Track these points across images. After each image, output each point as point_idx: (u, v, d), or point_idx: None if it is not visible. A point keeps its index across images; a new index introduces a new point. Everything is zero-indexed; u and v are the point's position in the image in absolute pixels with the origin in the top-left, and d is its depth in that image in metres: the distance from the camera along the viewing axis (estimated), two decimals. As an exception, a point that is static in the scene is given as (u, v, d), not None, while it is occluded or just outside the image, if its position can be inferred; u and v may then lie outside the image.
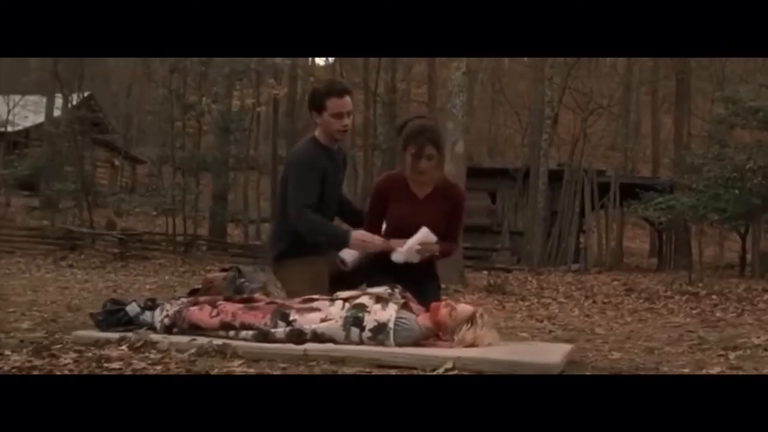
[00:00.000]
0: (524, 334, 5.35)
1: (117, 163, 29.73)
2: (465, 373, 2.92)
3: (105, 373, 2.73)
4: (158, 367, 2.82)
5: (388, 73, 22.67)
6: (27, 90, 25.65)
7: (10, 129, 24.35)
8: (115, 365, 2.85)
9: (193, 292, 4.20)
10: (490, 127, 36.03)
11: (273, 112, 26.15)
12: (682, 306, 9.36)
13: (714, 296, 10.43)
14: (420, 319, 3.49)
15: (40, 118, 24.91)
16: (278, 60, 23.59)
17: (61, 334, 3.85)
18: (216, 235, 19.77)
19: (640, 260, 23.38)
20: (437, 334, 3.46)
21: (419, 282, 3.87)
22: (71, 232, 17.58)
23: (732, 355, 4.10)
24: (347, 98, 4.07)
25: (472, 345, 3.30)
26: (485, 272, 14.97)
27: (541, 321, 6.85)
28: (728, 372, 3.47)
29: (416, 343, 3.38)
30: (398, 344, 3.32)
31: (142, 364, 2.86)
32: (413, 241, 3.76)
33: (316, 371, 2.88)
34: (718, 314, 8.17)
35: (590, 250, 19.12)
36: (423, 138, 3.77)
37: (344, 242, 3.91)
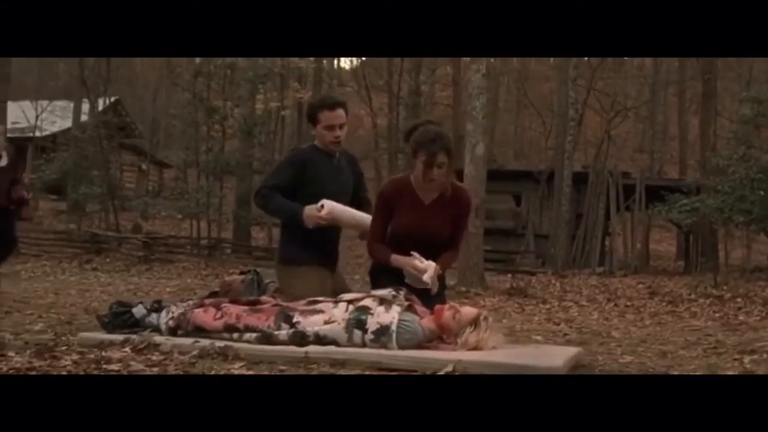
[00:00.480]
0: (538, 337, 5.29)
1: (144, 167, 29.99)
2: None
3: (102, 374, 2.72)
4: (155, 369, 2.82)
5: (412, 75, 22.61)
6: (55, 95, 25.95)
7: (38, 134, 24.66)
8: (114, 367, 2.85)
9: (213, 295, 4.22)
10: (516, 130, 35.87)
11: (297, 116, 26.25)
12: (705, 309, 9.21)
13: (739, 299, 10.25)
14: (424, 321, 3.46)
15: (68, 123, 25.18)
16: (302, 63, 23.69)
17: (69, 336, 3.86)
18: (240, 238, 19.82)
19: (667, 263, 23.11)
20: (441, 336, 3.42)
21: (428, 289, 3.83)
22: (96, 236, 17.73)
23: (747, 359, 4.02)
24: (338, 111, 4.18)
25: (476, 348, 3.27)
26: (509, 275, 14.91)
27: (558, 324, 6.78)
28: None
29: (419, 346, 3.35)
30: (401, 347, 3.30)
31: (140, 366, 2.85)
32: (428, 277, 3.66)
33: (314, 374, 2.86)
34: (741, 318, 8.03)
35: (616, 253, 18.93)
36: (435, 146, 3.67)
37: (295, 216, 4.10)
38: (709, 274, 14.61)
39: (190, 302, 3.85)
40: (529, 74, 33.38)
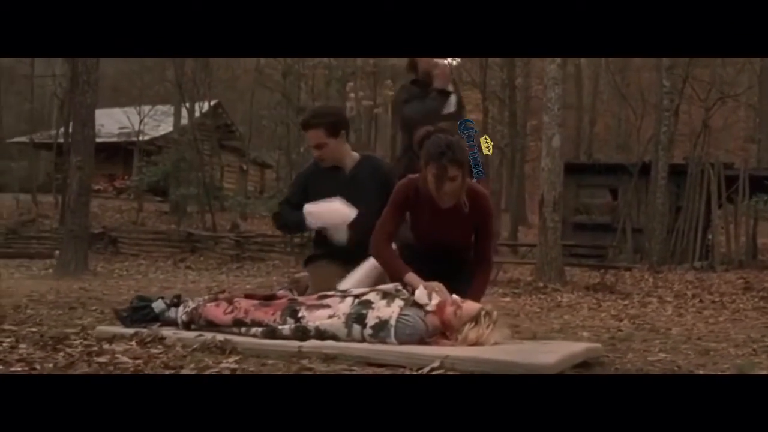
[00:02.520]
0: (585, 333, 5.09)
1: (245, 167, 30.67)
2: (451, 372, 2.79)
3: (82, 368, 2.76)
4: (138, 361, 2.84)
5: (504, 69, 22.25)
6: (160, 101, 26.93)
7: (142, 138, 25.64)
8: (102, 359, 2.90)
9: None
10: (620, 123, 34.81)
11: (391, 113, 26.34)
12: (800, 306, 8.68)
13: (839, 295, 9.62)
14: (429, 317, 3.36)
15: (171, 127, 26.06)
16: (394, 61, 23.70)
17: (91, 329, 3.95)
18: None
19: (777, 257, 21.93)
20: (444, 332, 3.32)
21: (456, 278, 3.69)
22: (192, 235, 18.25)
23: (796, 358, 3.75)
24: (310, 132, 4.11)
25: (476, 344, 3.15)
26: (603, 270, 14.48)
27: (622, 320, 6.50)
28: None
29: (421, 341, 3.25)
30: (401, 342, 3.21)
31: (126, 359, 2.88)
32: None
33: (293, 369, 2.81)
34: (833, 314, 7.51)
35: (718, 247, 18.06)
36: (445, 159, 3.49)
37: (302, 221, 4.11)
38: (816, 269, 13.80)
39: (206, 297, 3.88)
40: (628, 64, 32.29)
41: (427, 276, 3.54)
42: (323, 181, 4.14)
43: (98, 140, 28.39)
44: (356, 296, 3.47)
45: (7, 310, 5.60)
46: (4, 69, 28.47)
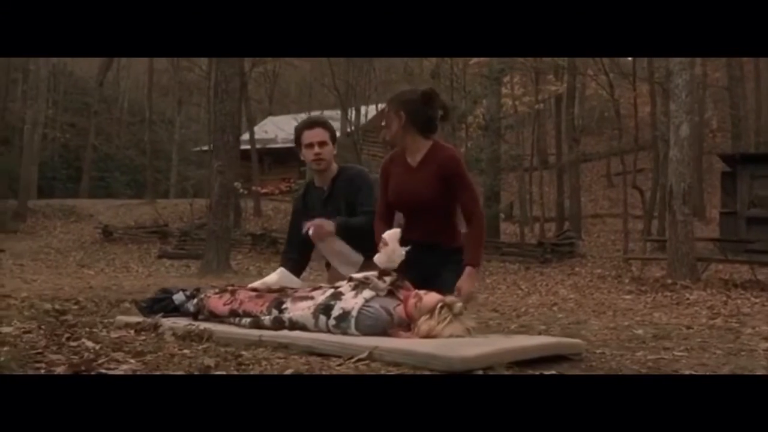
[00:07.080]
0: (640, 331, 4.83)
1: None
2: (378, 363, 2.80)
3: (48, 353, 3.00)
4: (97, 346, 3.06)
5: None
6: (328, 106, 27.97)
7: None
8: (73, 344, 3.14)
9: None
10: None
11: (555, 110, 25.81)
12: None
13: None
14: (399, 308, 3.37)
15: (337, 132, 26.94)
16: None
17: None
18: (489, 234, 19.91)
19: None
20: (409, 324, 3.31)
21: (437, 271, 3.71)
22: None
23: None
24: (316, 129, 4.33)
25: (428, 336, 3.12)
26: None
27: (715, 318, 6.10)
28: None
29: (384, 333, 3.26)
30: (363, 333, 3.24)
31: (90, 344, 3.11)
32: (377, 258, 3.53)
33: (225, 358, 2.92)
34: None
35: None
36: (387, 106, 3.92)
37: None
38: None
39: (217, 288, 4.08)
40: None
41: (413, 267, 3.56)
42: (312, 201, 4.44)
43: (274, 146, 30.24)
44: (335, 287, 3.53)
45: (103, 303, 6.09)
46: (186, 83, 30.65)
